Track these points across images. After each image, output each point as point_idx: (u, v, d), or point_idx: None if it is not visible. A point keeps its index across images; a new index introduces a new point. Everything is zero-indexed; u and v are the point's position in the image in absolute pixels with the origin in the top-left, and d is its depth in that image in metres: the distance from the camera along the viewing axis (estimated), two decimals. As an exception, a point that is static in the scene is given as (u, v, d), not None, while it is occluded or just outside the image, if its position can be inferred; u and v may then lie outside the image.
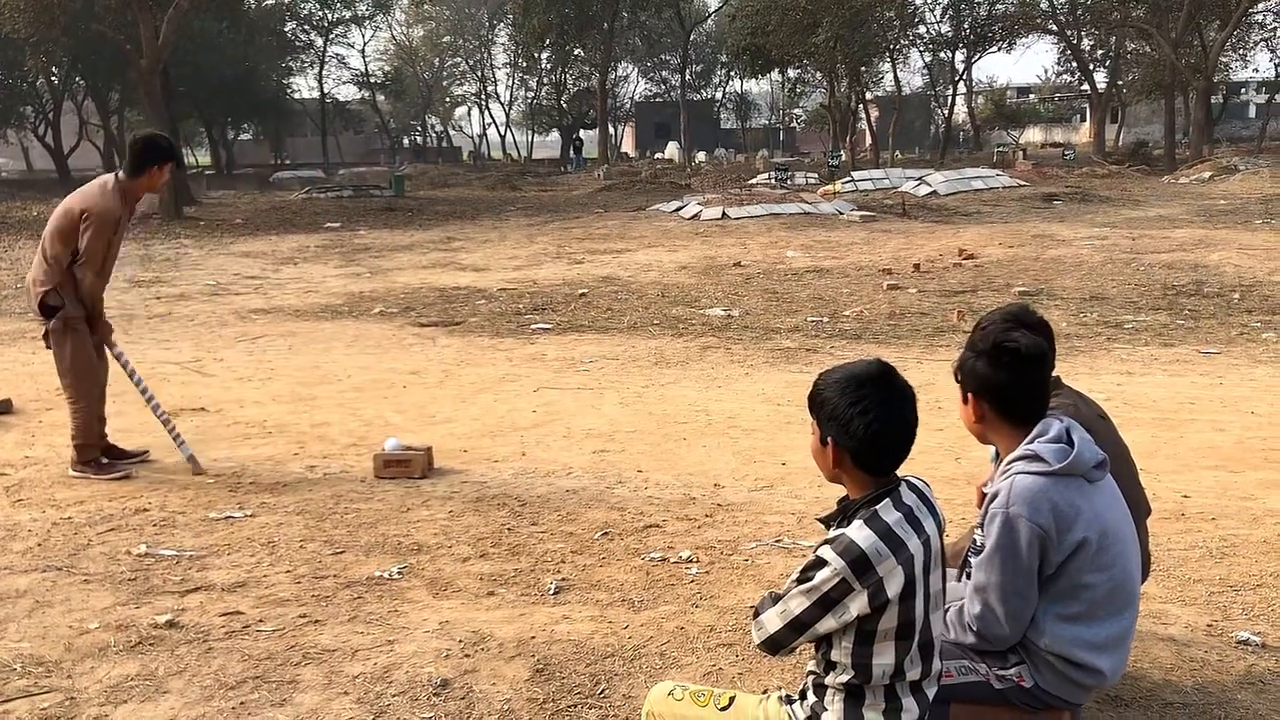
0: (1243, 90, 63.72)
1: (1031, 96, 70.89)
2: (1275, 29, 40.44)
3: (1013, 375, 2.64)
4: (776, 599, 2.41)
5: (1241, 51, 42.71)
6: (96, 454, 5.84)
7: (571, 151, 54.80)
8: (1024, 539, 2.55)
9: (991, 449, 2.94)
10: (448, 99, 74.14)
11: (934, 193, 26.44)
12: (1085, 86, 45.28)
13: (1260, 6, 38.27)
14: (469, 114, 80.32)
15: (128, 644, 3.62)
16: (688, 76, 58.86)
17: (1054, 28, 41.61)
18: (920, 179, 28.45)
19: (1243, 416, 6.86)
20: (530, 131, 69.36)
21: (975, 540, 2.66)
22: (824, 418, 2.38)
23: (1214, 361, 8.76)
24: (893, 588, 2.28)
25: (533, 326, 10.88)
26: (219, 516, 5.04)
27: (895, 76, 49.30)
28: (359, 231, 21.54)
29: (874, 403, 2.32)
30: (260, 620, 3.82)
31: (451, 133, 76.82)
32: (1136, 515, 2.88)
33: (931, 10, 44.73)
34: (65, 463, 5.93)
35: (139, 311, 12.47)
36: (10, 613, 3.90)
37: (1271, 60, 41.94)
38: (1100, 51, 44.46)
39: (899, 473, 2.41)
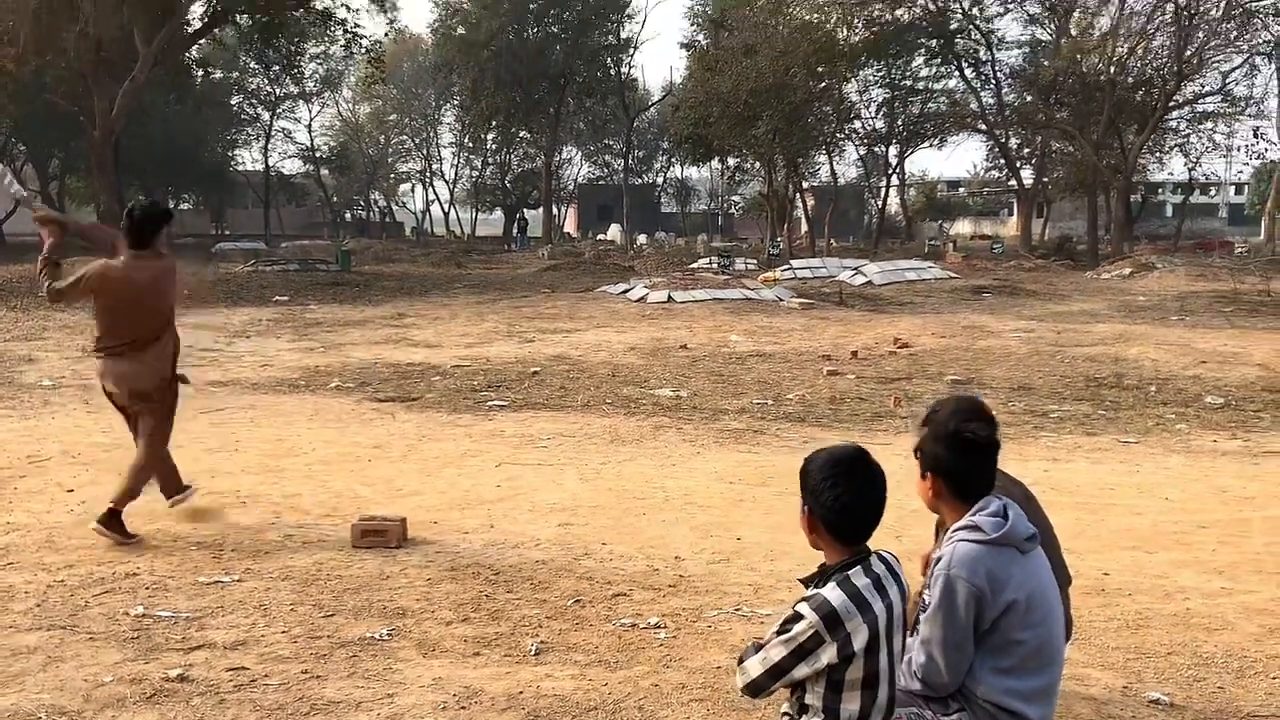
0: (1160, 191, 66.73)
1: (961, 190, 73.60)
2: (1189, 135, 42.66)
3: (967, 461, 3.10)
4: (758, 648, 2.82)
5: (1158, 154, 44.89)
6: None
7: (515, 230, 55.55)
8: (962, 598, 2.98)
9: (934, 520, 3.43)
10: (392, 175, 74.74)
11: (869, 282, 27.39)
12: (1013, 182, 47.19)
13: (1174, 114, 40.49)
14: (413, 190, 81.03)
15: (143, 695, 3.89)
16: (630, 161, 60.22)
17: (983, 127, 43.45)
18: (856, 269, 29.46)
19: (1158, 502, 7.42)
20: (474, 209, 70.12)
21: (924, 599, 3.09)
22: (806, 490, 2.83)
23: (1132, 450, 9.37)
24: (858, 642, 2.71)
25: (489, 404, 11.21)
26: (209, 581, 5.30)
27: (831, 168, 50.96)
28: (309, 306, 21.74)
29: (844, 480, 2.79)
30: (266, 675, 4.11)
31: (395, 208, 77.33)
32: (1060, 583, 3.34)
33: (867, 107, 46.49)
34: (47, 529, 6.18)
35: (98, 381, 12.53)
36: (25, 667, 4.15)
37: (1185, 164, 44.08)
38: (1027, 150, 46.42)
39: (872, 546, 2.85)
